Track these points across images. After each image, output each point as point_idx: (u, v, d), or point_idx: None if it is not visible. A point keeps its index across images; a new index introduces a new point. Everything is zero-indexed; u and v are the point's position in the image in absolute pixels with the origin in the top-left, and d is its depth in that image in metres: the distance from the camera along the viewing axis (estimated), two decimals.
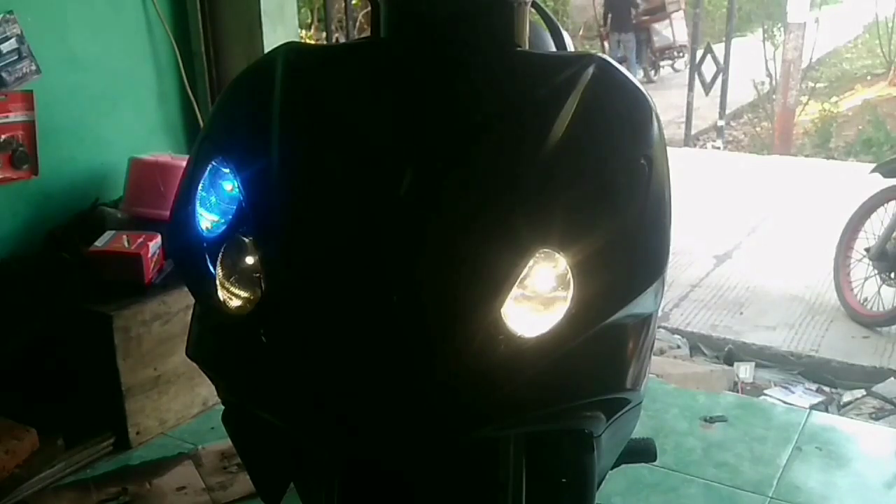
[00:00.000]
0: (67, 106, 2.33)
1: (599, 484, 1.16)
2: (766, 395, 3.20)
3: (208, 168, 1.06)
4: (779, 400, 3.10)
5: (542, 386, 0.93)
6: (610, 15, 10.83)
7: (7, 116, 2.19)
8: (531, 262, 0.94)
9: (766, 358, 3.49)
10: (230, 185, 1.05)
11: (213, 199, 1.06)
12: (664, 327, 3.67)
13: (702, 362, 3.48)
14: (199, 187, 1.07)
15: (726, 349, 3.54)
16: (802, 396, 3.22)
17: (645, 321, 1.05)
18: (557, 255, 0.94)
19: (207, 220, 1.05)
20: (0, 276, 2.18)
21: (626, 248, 0.98)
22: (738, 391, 3.19)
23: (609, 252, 0.96)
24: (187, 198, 1.08)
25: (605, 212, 0.98)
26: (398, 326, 0.92)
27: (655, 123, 1.06)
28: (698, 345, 3.61)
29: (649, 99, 1.08)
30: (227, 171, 1.05)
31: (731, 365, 3.43)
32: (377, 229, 0.96)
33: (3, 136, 2.19)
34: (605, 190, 0.99)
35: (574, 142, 1.00)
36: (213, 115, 1.17)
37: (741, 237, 4.90)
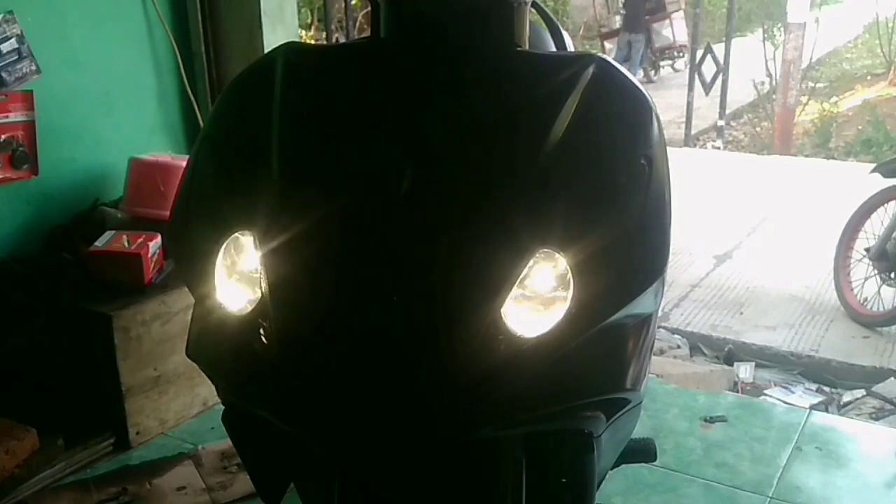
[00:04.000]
0: (67, 106, 2.33)
1: (599, 484, 1.16)
2: (766, 395, 3.20)
3: (211, 168, 1.06)
4: (779, 400, 3.10)
5: (542, 386, 0.93)
6: (623, 14, 10.80)
7: (7, 116, 2.19)
8: (531, 263, 0.94)
9: (766, 358, 3.49)
10: (233, 185, 1.05)
11: (217, 198, 1.06)
12: (664, 327, 3.67)
13: (702, 362, 3.48)
14: (199, 187, 1.07)
15: (726, 349, 3.55)
16: (802, 396, 3.22)
17: (645, 321, 1.05)
18: (557, 256, 0.94)
19: (213, 218, 1.05)
20: (0, 275, 2.18)
21: (625, 248, 0.98)
22: (738, 391, 3.19)
23: (609, 252, 0.96)
24: (187, 198, 1.07)
25: (604, 212, 0.98)
26: (398, 327, 0.92)
27: (655, 123, 1.06)
28: (698, 345, 3.61)
29: (649, 99, 1.08)
30: (229, 170, 1.05)
31: (731, 365, 3.44)
32: (377, 230, 0.96)
33: (3, 136, 2.19)
34: (605, 190, 0.99)
35: (574, 142, 1.00)
36: (212, 114, 1.17)
37: (741, 237, 4.90)
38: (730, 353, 3.52)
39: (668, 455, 2.10)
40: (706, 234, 4.85)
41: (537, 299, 0.95)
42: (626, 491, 1.95)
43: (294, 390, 0.95)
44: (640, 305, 1.01)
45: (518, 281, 0.93)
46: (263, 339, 0.97)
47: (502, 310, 0.92)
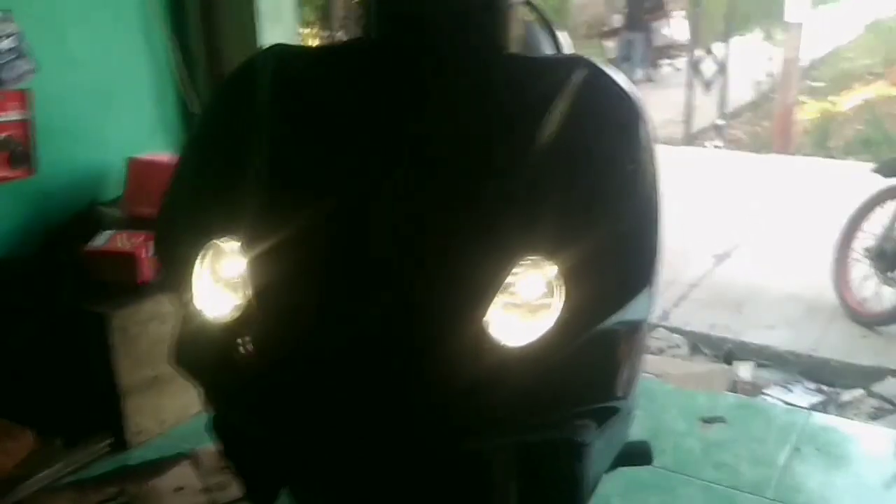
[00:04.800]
0: (65, 105, 2.33)
1: (592, 490, 1.15)
2: (765, 394, 3.19)
3: (195, 172, 1.05)
4: (778, 399, 3.10)
5: (530, 396, 0.92)
6: (624, 13, 10.81)
7: (4, 115, 2.18)
8: (517, 270, 0.92)
9: (765, 357, 3.49)
10: (217, 190, 1.03)
11: (200, 203, 1.04)
12: (664, 327, 3.66)
13: (701, 362, 3.47)
14: (185, 192, 1.06)
15: (725, 349, 3.54)
16: (801, 396, 3.22)
17: (635, 328, 1.03)
18: (545, 263, 0.93)
19: (194, 224, 1.04)
20: None
21: (614, 255, 0.97)
22: (737, 391, 3.18)
23: (597, 259, 0.95)
24: (173, 202, 1.06)
25: (593, 218, 0.97)
26: (382, 337, 0.91)
27: (645, 127, 1.05)
28: (697, 344, 3.60)
29: (638, 102, 1.06)
30: (213, 175, 1.04)
31: (731, 364, 3.43)
32: (363, 237, 0.94)
33: (0, 135, 2.18)
34: (594, 195, 0.98)
35: (562, 147, 0.98)
36: (200, 119, 1.16)
37: (740, 236, 4.89)
38: (729, 353, 3.52)
39: (666, 455, 2.10)
40: (705, 233, 4.84)
41: (525, 307, 0.93)
42: (624, 491, 1.95)
43: (278, 400, 0.94)
44: (631, 312, 1.00)
45: (504, 289, 0.92)
46: (247, 347, 0.96)
47: (488, 318, 0.91)
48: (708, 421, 2.32)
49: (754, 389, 3.24)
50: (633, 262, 0.98)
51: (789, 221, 5.13)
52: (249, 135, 1.03)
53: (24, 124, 2.23)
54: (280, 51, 1.13)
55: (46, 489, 1.97)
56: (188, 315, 1.04)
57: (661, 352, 3.46)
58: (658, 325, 3.65)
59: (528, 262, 0.93)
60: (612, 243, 0.97)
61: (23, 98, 2.21)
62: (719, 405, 2.42)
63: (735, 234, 4.92)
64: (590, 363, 0.96)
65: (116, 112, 2.49)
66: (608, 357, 0.98)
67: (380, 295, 0.92)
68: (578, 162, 0.99)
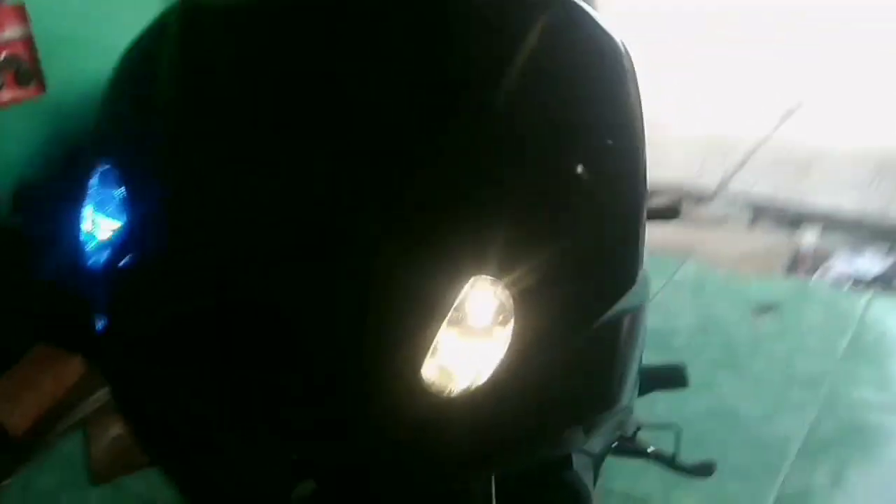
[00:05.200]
0: (63, 14, 2.21)
1: (595, 478, 1.06)
2: (830, 261, 3.03)
3: (98, 174, 0.94)
4: (844, 266, 2.93)
5: (493, 434, 0.81)
6: None
7: (3, 33, 2.08)
8: (465, 291, 0.78)
9: (832, 221, 3.29)
10: (121, 192, 0.93)
11: (108, 206, 0.94)
12: (723, 195, 3.48)
13: (762, 232, 3.31)
14: (88, 202, 0.96)
15: (790, 214, 3.35)
16: (871, 261, 3.05)
17: (619, 331, 0.88)
18: (498, 281, 0.78)
19: (106, 228, 0.94)
20: (27, 204, 2.17)
21: (584, 262, 0.81)
22: (799, 261, 3.03)
23: (561, 273, 0.79)
24: (78, 214, 0.97)
25: (556, 222, 0.80)
26: (314, 372, 0.81)
27: (630, 79, 0.85)
28: (760, 211, 3.42)
29: (623, 48, 0.86)
30: (116, 175, 0.93)
31: (796, 231, 3.26)
32: (284, 250, 0.82)
33: (2, 55, 2.09)
34: (558, 190, 0.80)
35: (521, 125, 0.80)
36: (101, 105, 1.03)
37: (808, 89, 4.51)
38: (794, 218, 3.33)
39: (715, 349, 2.02)
40: (770, 86, 4.48)
41: (475, 332, 0.79)
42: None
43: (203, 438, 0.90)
44: (617, 313, 0.85)
45: (450, 314, 0.77)
46: (160, 368, 0.90)
47: (435, 345, 0.78)
48: (761, 310, 2.20)
49: (819, 256, 3.08)
50: (604, 270, 0.83)
51: (861, 72, 4.68)
52: (155, 123, 0.92)
53: (25, 41, 2.13)
54: (191, 9, 1.00)
55: (99, 412, 2.04)
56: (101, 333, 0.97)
57: (719, 223, 3.30)
58: (717, 193, 3.47)
59: (480, 280, 0.77)
60: (581, 250, 0.80)
61: (17, 13, 2.09)
62: (774, 291, 2.30)
63: (803, 86, 4.54)
64: (567, 379, 0.83)
65: (120, 16, 2.35)
66: (588, 369, 0.85)
67: (308, 322, 0.81)
68: (541, 144, 0.80)
